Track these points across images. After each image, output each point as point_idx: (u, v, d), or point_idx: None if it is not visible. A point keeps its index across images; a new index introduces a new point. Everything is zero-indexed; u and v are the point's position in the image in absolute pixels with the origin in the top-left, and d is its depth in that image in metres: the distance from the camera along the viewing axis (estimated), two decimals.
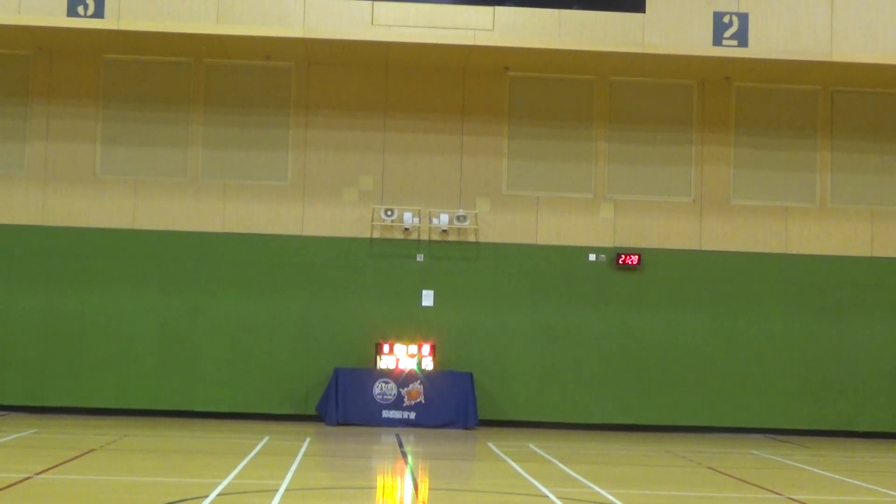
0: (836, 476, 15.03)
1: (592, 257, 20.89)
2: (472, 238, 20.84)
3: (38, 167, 20.51)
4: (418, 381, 20.01)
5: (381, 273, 20.70)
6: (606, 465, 15.86)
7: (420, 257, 20.79)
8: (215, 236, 20.59)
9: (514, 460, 15.39)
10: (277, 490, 11.96)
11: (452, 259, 20.81)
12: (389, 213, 20.62)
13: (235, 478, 12.82)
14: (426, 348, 20.21)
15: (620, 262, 20.83)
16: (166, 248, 20.47)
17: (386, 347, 20.18)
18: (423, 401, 19.97)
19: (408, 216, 20.64)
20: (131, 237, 20.46)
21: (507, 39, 19.33)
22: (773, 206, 21.14)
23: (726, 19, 19.30)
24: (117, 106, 20.68)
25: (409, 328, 20.48)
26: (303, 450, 15.94)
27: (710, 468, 15.48)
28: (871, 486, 14.06)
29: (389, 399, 19.95)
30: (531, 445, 17.55)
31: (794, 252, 21.09)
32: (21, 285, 20.32)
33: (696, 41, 19.32)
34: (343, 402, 19.82)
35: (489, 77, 20.92)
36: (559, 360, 20.77)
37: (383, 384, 19.99)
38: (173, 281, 20.48)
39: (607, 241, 20.94)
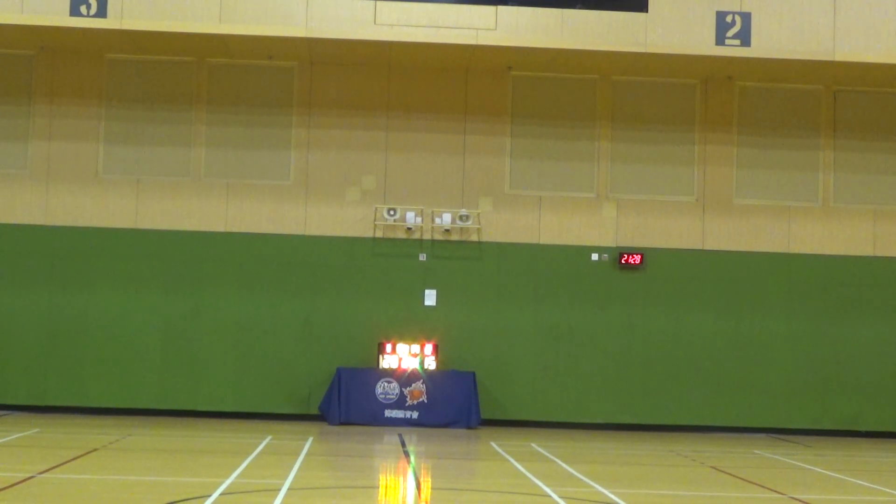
0: (839, 476, 15.02)
1: (595, 257, 20.89)
2: (474, 237, 20.83)
3: (41, 167, 20.53)
4: (421, 381, 20.01)
5: (384, 272, 20.71)
6: (609, 465, 15.86)
7: (423, 257, 20.79)
8: (218, 236, 20.60)
9: (516, 460, 15.39)
10: (280, 489, 11.97)
11: (455, 258, 20.81)
12: (392, 212, 20.62)
13: (238, 477, 12.82)
14: (429, 348, 20.21)
15: (623, 261, 20.83)
16: (169, 248, 20.48)
17: (388, 347, 20.19)
18: (425, 400, 19.97)
19: (410, 216, 20.65)
20: (134, 237, 20.48)
21: (510, 39, 19.33)
22: (776, 205, 21.14)
23: (729, 19, 19.30)
24: (120, 105, 20.70)
25: (412, 328, 20.49)
26: (305, 449, 15.94)
27: (712, 467, 15.48)
28: (874, 486, 14.05)
29: (392, 398, 19.95)
30: (534, 445, 17.55)
31: (797, 252, 21.08)
32: (24, 285, 20.34)
33: (698, 41, 19.32)
34: (346, 402, 19.83)
35: (492, 76, 20.93)
36: (562, 359, 20.77)
37: (386, 384, 19.99)
38: (176, 280, 20.49)
39: (610, 241, 20.94)
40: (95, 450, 15.13)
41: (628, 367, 20.83)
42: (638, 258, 20.84)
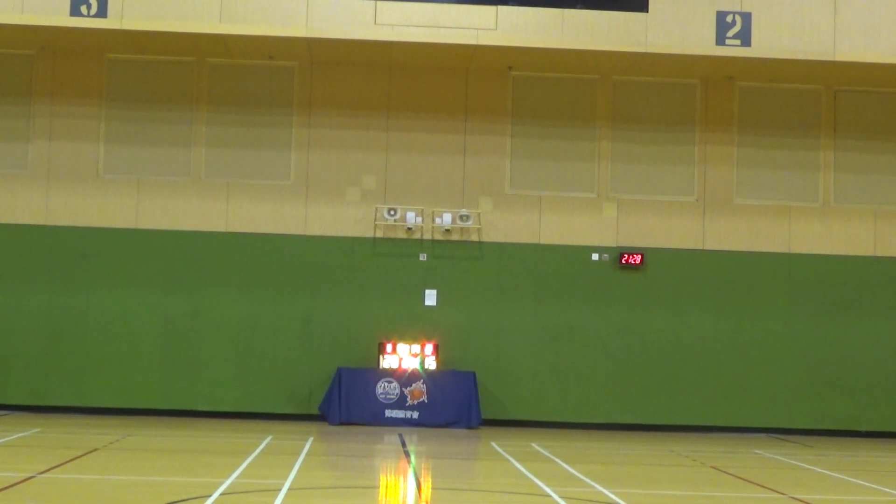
0: (840, 475, 15.02)
1: (595, 257, 20.89)
2: (474, 237, 20.83)
3: (42, 167, 20.53)
4: (421, 381, 20.01)
5: (385, 272, 20.71)
6: (609, 465, 15.86)
7: (423, 257, 20.79)
8: (218, 236, 20.60)
9: (517, 460, 15.39)
10: (280, 489, 11.97)
11: (455, 258, 20.81)
12: (392, 212, 20.62)
13: (238, 477, 12.83)
14: (429, 348, 20.21)
15: (623, 261, 20.83)
16: (169, 248, 20.48)
17: (389, 347, 20.18)
18: (426, 400, 19.97)
19: (411, 216, 20.65)
20: (134, 237, 20.47)
21: (511, 39, 19.33)
22: (777, 205, 21.14)
23: (729, 19, 19.30)
24: (120, 105, 20.70)
25: (412, 327, 20.49)
26: (306, 449, 15.95)
27: (713, 467, 15.48)
28: (874, 486, 14.05)
29: (392, 398, 19.95)
30: (534, 445, 17.55)
31: (797, 251, 21.08)
32: (24, 285, 20.34)
33: (699, 40, 19.32)
34: (346, 402, 19.83)
35: (492, 76, 20.92)
36: (562, 359, 20.77)
37: (386, 384, 19.99)
38: (176, 280, 20.49)
39: (610, 241, 20.94)
40: (96, 450, 15.14)
41: (628, 367, 20.83)
42: (638, 258, 20.84)
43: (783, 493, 13.00)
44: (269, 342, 20.52)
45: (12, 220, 20.43)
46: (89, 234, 20.44)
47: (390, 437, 18.36)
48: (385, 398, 19.95)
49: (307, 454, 15.44)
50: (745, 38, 19.30)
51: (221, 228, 20.62)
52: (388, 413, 19.91)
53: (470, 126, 20.93)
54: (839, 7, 19.40)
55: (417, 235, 20.78)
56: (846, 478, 14.81)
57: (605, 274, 20.91)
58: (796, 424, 20.89)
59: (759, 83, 21.11)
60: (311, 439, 17.34)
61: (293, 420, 20.22)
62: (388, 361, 20.12)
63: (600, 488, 12.85)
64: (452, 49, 19.61)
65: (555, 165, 21.04)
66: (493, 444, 17.59)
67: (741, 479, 14.31)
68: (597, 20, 19.31)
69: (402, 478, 13.99)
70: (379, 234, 20.76)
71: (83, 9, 18.78)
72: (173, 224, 20.54)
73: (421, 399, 19.97)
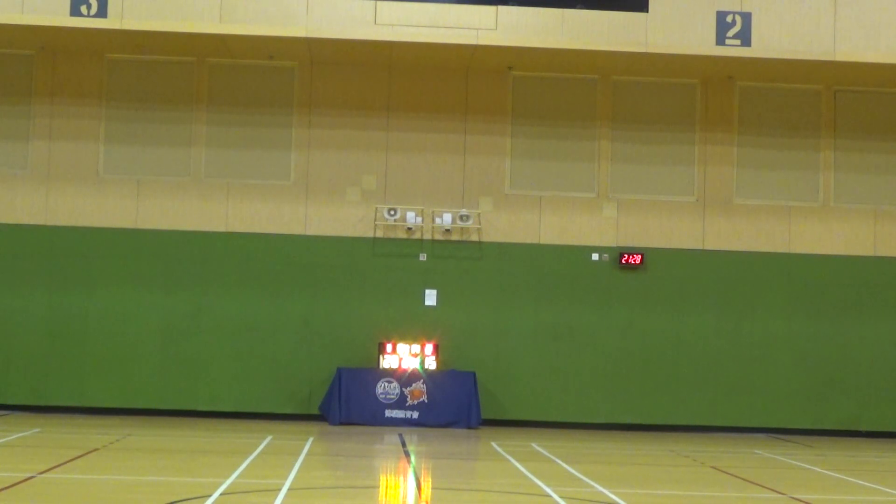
0: (840, 476, 15.02)
1: (595, 257, 20.89)
2: (474, 237, 20.83)
3: (42, 167, 20.53)
4: (421, 381, 20.01)
5: (384, 272, 20.70)
6: (610, 465, 15.86)
7: (423, 257, 20.79)
8: (218, 236, 20.59)
9: (517, 460, 15.39)
10: (280, 489, 11.97)
11: (455, 258, 20.81)
12: (392, 212, 20.62)
13: (238, 477, 12.83)
14: (429, 348, 20.21)
15: (623, 261, 20.83)
16: (169, 248, 20.48)
17: (389, 347, 20.18)
18: (426, 400, 19.98)
19: (411, 216, 20.65)
20: (134, 237, 20.47)
21: (511, 39, 19.33)
22: (777, 205, 21.14)
23: (729, 19, 19.29)
24: (120, 105, 20.70)
25: (412, 327, 20.48)
26: (306, 449, 15.94)
27: (713, 468, 15.48)
28: (874, 486, 14.05)
29: (392, 398, 19.95)
30: (534, 445, 17.55)
31: (797, 252, 21.07)
32: (24, 285, 20.33)
33: (699, 40, 19.32)
34: (346, 402, 19.83)
35: (492, 76, 20.92)
36: (562, 359, 20.77)
37: (386, 384, 19.99)
38: (176, 280, 20.49)
39: (610, 241, 20.94)
40: (95, 450, 15.13)
41: (628, 367, 20.82)
42: (638, 258, 20.84)
43: (783, 493, 13.00)
44: (269, 342, 20.52)
45: (12, 221, 20.43)
46: (89, 235, 20.44)
47: (390, 437, 18.36)
48: (385, 398, 19.95)
49: (307, 454, 15.44)
50: (745, 38, 19.30)
51: (221, 228, 20.62)
52: (388, 413, 19.91)
53: (470, 126, 20.93)
54: (839, 7, 19.40)
55: (417, 235, 20.78)
56: (846, 478, 14.81)
57: (605, 274, 20.91)
58: (796, 424, 20.89)
59: (759, 83, 21.11)
60: (311, 439, 17.34)
61: (293, 420, 20.23)
62: (388, 361, 20.12)
63: (600, 488, 12.85)
64: (452, 49, 19.61)
65: (555, 165, 21.04)
66: (493, 444, 17.59)
67: (741, 479, 14.31)
68: (597, 20, 19.31)
69: (402, 478, 13.99)
70: (379, 234, 20.76)
71: (83, 9, 18.78)
72: (173, 224, 20.53)
73: (421, 399, 19.97)
